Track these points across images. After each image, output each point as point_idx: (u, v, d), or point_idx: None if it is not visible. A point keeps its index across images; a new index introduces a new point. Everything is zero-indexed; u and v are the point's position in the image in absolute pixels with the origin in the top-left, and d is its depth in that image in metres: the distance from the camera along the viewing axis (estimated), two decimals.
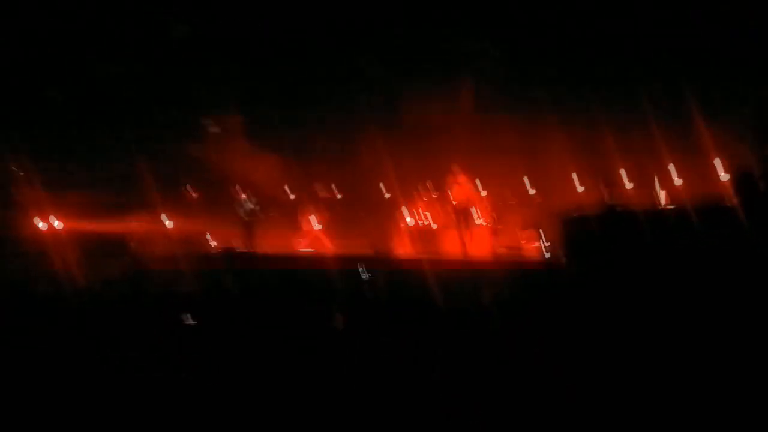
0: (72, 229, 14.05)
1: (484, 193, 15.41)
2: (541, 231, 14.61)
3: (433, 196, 15.53)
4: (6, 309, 9.68)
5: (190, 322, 9.01)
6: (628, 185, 13.92)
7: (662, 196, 13.36)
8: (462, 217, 14.81)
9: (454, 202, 14.89)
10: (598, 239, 10.62)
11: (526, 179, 15.71)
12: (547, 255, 13.92)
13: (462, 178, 14.94)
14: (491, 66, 16.88)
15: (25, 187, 13.88)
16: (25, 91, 15.08)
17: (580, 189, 15.36)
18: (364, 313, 9.46)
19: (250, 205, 15.22)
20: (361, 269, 11.05)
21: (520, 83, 16.16)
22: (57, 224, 14.23)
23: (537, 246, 14.51)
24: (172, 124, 17.18)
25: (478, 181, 15.37)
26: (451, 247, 14.46)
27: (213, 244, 15.82)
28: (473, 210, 14.83)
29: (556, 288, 10.38)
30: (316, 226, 16.09)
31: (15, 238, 13.08)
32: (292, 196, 17.69)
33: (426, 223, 15.48)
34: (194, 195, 17.66)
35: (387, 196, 17.08)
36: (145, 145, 16.08)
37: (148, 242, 14.52)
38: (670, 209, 11.47)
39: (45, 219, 14.15)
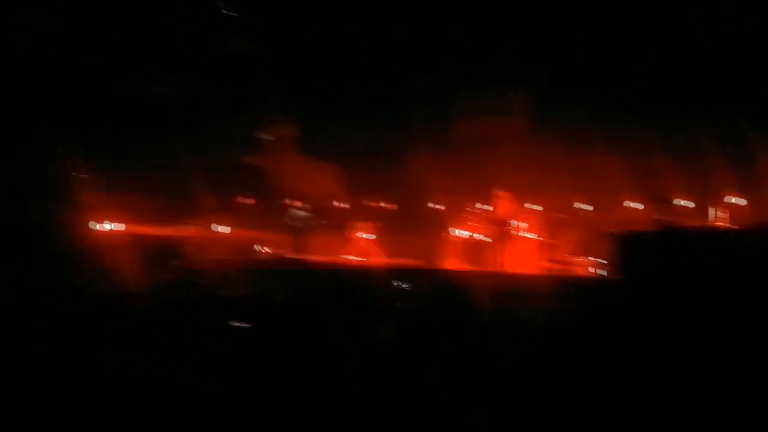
0: (129, 232, 14.38)
1: (535, 208, 15.31)
2: (593, 247, 14.45)
3: (483, 208, 15.45)
4: (64, 310, 9.95)
5: (240, 325, 9.15)
6: (684, 203, 13.68)
7: (719, 214, 13.09)
8: (507, 231, 14.74)
9: (499, 216, 14.82)
10: (654, 257, 10.49)
11: (577, 195, 15.55)
12: (600, 271, 13.74)
13: (505, 193, 14.87)
14: (544, 81, 16.80)
15: (84, 190, 14.26)
16: (88, 98, 15.53)
17: (634, 206, 15.14)
18: (409, 325, 9.47)
19: (302, 214, 15.35)
20: (397, 282, 11.04)
21: (574, 99, 16.03)
22: (115, 227, 14.58)
23: (589, 262, 14.34)
24: (228, 133, 17.50)
25: (527, 196, 15.27)
26: (500, 260, 14.35)
27: (264, 251, 16.03)
28: (521, 224, 14.74)
29: (609, 304, 10.26)
30: (366, 235, 16.17)
31: (74, 240, 13.42)
32: (343, 206, 17.82)
33: (475, 235, 15.43)
34: (247, 203, 17.93)
35: (437, 207, 17.09)
36: (201, 153, 16.38)
37: (201, 248, 14.80)
38: (728, 228, 11.27)
39: (103, 222, 14.50)
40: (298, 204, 15.60)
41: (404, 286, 10.92)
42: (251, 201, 17.66)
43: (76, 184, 14.06)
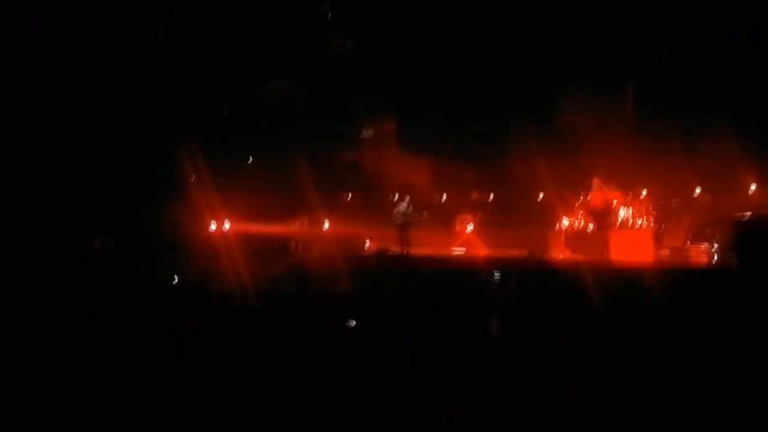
0: (240, 231, 14.84)
1: (644, 194, 14.79)
2: (709, 233, 13.80)
3: (587, 198, 15.03)
4: (181, 305, 10.36)
5: (350, 324, 9.25)
6: None
7: None
8: (615, 220, 14.29)
9: (605, 205, 14.36)
10: None
11: (693, 179, 14.91)
12: (717, 259, 13.11)
13: (612, 182, 14.43)
14: (652, 66, 16.17)
15: (199, 191, 14.82)
16: (202, 102, 16.14)
17: (752, 190, 14.36)
18: (512, 317, 9.31)
19: (405, 209, 15.42)
20: (496, 273, 10.85)
21: (685, 81, 15.37)
22: (227, 226, 15.10)
23: (705, 249, 13.71)
24: (333, 131, 17.80)
25: (637, 183, 14.77)
26: (606, 249, 13.90)
27: (368, 245, 16.22)
28: (630, 211, 14.24)
29: (726, 293, 9.77)
30: (470, 228, 16.08)
31: (190, 239, 13.99)
32: (446, 199, 17.81)
33: (580, 225, 15.05)
34: (352, 199, 18.19)
35: (540, 198, 16.80)
36: (308, 153, 16.73)
37: (308, 244, 15.12)
38: None
39: (216, 221, 15.04)
40: (404, 199, 15.65)
41: (498, 276, 10.72)
42: (356, 197, 17.92)
43: (192, 186, 14.65)
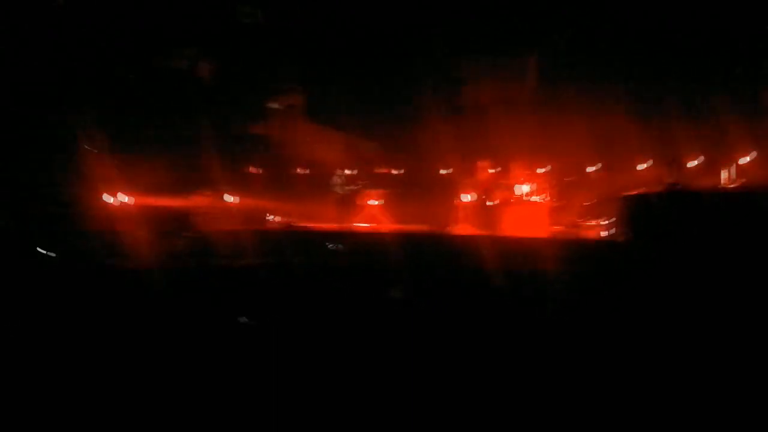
0: (140, 204, 14.43)
1: (544, 171, 15.28)
2: (602, 208, 14.42)
3: (491, 172, 15.44)
4: (76, 279, 10.04)
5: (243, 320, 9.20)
6: (692, 164, 13.59)
7: (727, 175, 13.01)
8: (515, 195, 14.79)
9: (506, 180, 14.85)
10: (663, 218, 10.48)
11: (588, 157, 15.48)
12: (609, 232, 13.73)
13: (513, 157, 14.89)
14: (555, 44, 16.59)
15: (97, 163, 14.29)
16: (100, 73, 15.50)
17: (643, 167, 15.06)
18: (421, 287, 9.48)
19: (340, 180, 15.45)
20: (332, 245, 10.97)
21: (584, 61, 15.85)
22: (127, 200, 14.64)
23: (598, 223, 14.33)
24: (237, 103, 17.45)
25: (536, 160, 15.24)
26: (508, 223, 14.35)
27: (273, 219, 16.09)
28: (529, 187, 14.74)
29: (617, 265, 10.26)
30: (375, 202, 16.19)
31: (87, 212, 13.50)
32: (353, 173, 17.81)
33: (483, 199, 15.44)
34: (258, 172, 17.93)
35: (445, 172, 17.06)
36: (211, 124, 16.37)
37: (211, 218, 14.85)
38: (735, 189, 11.21)
39: (115, 194, 14.56)
40: (339, 171, 15.70)
41: (339, 246, 10.85)
42: (262, 170, 17.68)
43: (90, 158, 14.10)
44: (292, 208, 16.17)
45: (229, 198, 15.86)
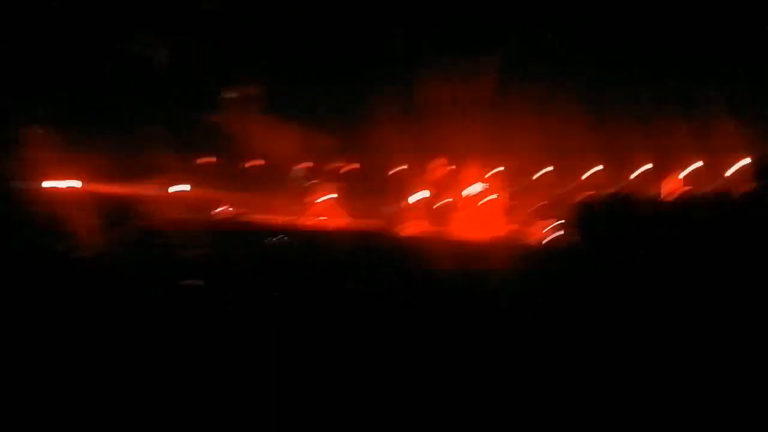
0: (87, 190, 14.13)
1: (498, 171, 15.37)
2: (554, 211, 14.54)
3: (446, 171, 15.47)
4: (19, 266, 9.78)
5: (193, 284, 9.06)
6: (644, 170, 13.80)
7: (673, 183, 13.26)
8: (469, 194, 14.85)
9: (460, 180, 14.92)
10: (612, 222, 10.59)
11: (541, 159, 15.62)
12: (559, 234, 13.86)
13: (468, 157, 14.95)
14: (512, 46, 16.68)
15: (43, 147, 13.95)
16: (49, 56, 15.12)
17: (594, 171, 15.25)
18: (372, 285, 9.44)
19: (301, 174, 15.35)
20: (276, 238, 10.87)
21: (540, 64, 15.97)
22: (73, 185, 14.33)
23: (549, 225, 14.44)
24: (192, 91, 17.19)
25: (490, 160, 15.32)
26: (462, 223, 14.40)
27: (223, 210, 15.88)
28: (483, 187, 14.80)
29: (566, 268, 10.33)
30: (328, 196, 16.09)
31: (31, 197, 13.19)
32: (306, 166, 17.69)
33: (436, 197, 15.47)
34: (210, 162, 17.71)
35: (400, 170, 17.04)
36: (165, 112, 16.11)
37: (159, 206, 14.60)
38: (685, 195, 11.41)
39: (61, 179, 14.24)
40: (301, 164, 15.64)
41: (284, 239, 10.72)
42: (212, 160, 17.45)
43: (31, 141, 13.75)
44: (243, 199, 15.99)
45: (178, 187, 15.61)
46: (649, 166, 13.81)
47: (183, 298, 8.89)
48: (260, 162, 16.01)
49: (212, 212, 15.62)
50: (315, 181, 16.34)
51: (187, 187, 15.61)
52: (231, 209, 15.58)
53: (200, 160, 17.31)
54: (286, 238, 9.63)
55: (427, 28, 16.48)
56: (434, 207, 15.39)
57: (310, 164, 16.54)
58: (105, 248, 11.06)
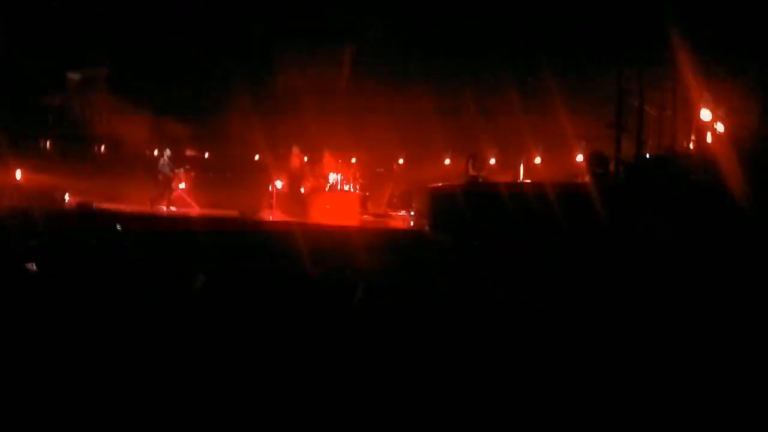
0: None
1: (354, 162, 15.57)
2: (407, 200, 14.93)
3: (303, 161, 15.51)
4: None
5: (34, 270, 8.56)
6: (492, 160, 14.40)
7: (522, 171, 13.94)
8: (325, 184, 14.97)
9: (316, 170, 15.03)
10: (461, 209, 11.00)
11: (396, 150, 15.96)
12: (412, 223, 14.23)
13: (325, 147, 15.09)
14: (370, 35, 16.90)
15: None
16: None
17: (447, 161, 15.75)
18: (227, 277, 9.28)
19: (166, 162, 14.83)
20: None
21: (396, 57, 16.29)
22: None
23: (403, 215, 14.81)
24: (36, 72, 16.16)
25: (346, 150, 15.50)
26: (318, 212, 14.46)
27: (68, 199, 15.05)
28: (339, 177, 14.93)
29: (419, 254, 10.61)
30: (181, 186, 15.63)
31: None
32: (158, 154, 17.11)
33: (294, 186, 15.43)
34: (52, 148, 16.75)
35: (257, 158, 16.87)
36: (5, 94, 15.09)
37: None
38: (529, 185, 12.02)
39: None
40: (164, 152, 15.08)
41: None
42: (58, 146, 16.52)
43: None
44: (91, 187, 15.23)
45: (18, 174, 14.61)
46: (495, 157, 14.43)
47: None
48: (109, 149, 15.29)
49: (59, 201, 14.77)
50: (186, 169, 15.82)
51: (31, 174, 14.64)
52: (79, 198, 14.80)
53: (43, 146, 16.35)
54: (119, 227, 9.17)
55: (283, 16, 16.39)
56: (290, 196, 15.35)
57: (165, 152, 16.00)
58: None
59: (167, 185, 15.35)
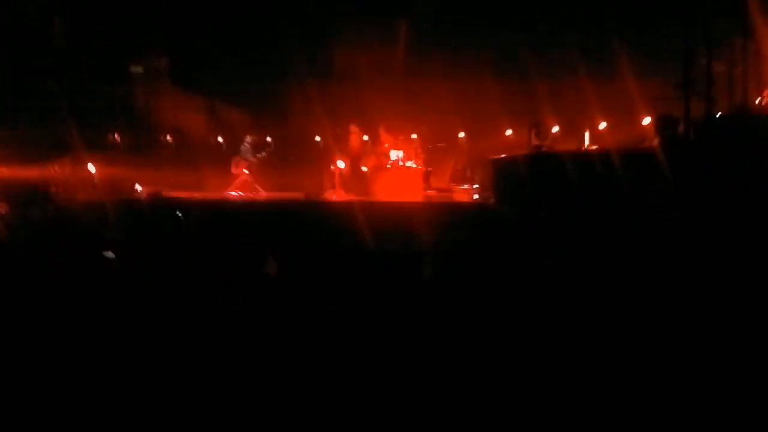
0: None
1: (414, 136, 15.54)
2: (470, 175, 14.83)
3: (363, 139, 15.57)
4: None
5: (111, 257, 8.83)
6: (555, 129, 14.15)
7: (587, 139, 13.65)
8: (387, 162, 14.99)
9: (378, 147, 15.05)
10: (526, 181, 10.87)
11: (456, 123, 15.85)
12: (477, 196, 14.15)
13: (384, 124, 15.09)
14: (424, 10, 16.76)
15: None
16: None
17: (509, 132, 15.56)
18: (297, 260, 9.40)
19: (248, 149, 15.22)
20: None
21: (453, 29, 16.13)
22: None
23: (467, 189, 14.72)
24: (100, 65, 16.58)
25: (407, 126, 15.47)
26: (381, 190, 14.52)
27: (140, 189, 15.45)
28: (401, 154, 14.93)
29: (486, 229, 10.56)
30: (246, 171, 15.88)
31: None
32: (222, 140, 17.43)
33: (355, 165, 15.50)
34: (120, 139, 17.19)
35: (317, 139, 16.98)
36: (71, 88, 15.52)
37: (71, 188, 14.09)
38: (595, 152, 11.77)
39: None
40: (246, 139, 15.46)
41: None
42: (125, 138, 16.95)
43: None
44: (161, 177, 15.59)
45: (91, 167, 15.05)
46: (556, 129, 14.17)
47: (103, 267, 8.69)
48: (175, 138, 15.62)
49: (131, 191, 15.18)
50: (250, 155, 16.07)
51: (102, 167, 15.07)
52: (150, 188, 15.17)
53: (112, 138, 16.78)
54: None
55: None
56: (353, 176, 15.43)
57: (227, 138, 16.27)
58: (15, 231, 10.62)
59: (222, 171, 15.67)
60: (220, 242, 10.14)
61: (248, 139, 15.56)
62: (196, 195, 14.72)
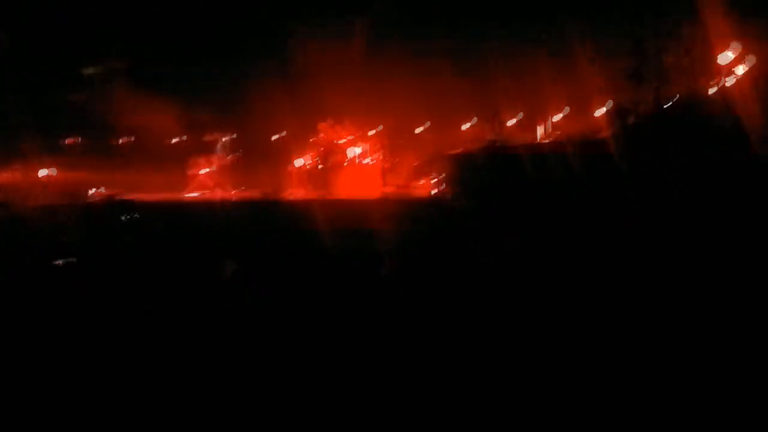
0: None
1: (374, 133, 15.54)
2: (429, 169, 14.88)
3: (323, 136, 15.53)
4: None
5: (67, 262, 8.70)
6: (510, 122, 14.25)
7: (542, 131, 13.78)
8: (346, 158, 14.99)
9: (337, 144, 15.04)
10: (482, 174, 10.95)
11: (414, 119, 15.89)
12: (435, 191, 14.21)
13: (343, 120, 15.08)
14: (383, 7, 16.76)
15: None
16: None
17: (466, 126, 15.63)
18: (259, 258, 9.35)
19: (219, 150, 15.09)
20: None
21: (413, 24, 16.15)
22: None
23: (425, 183, 14.78)
24: (55, 69, 16.31)
25: (365, 122, 15.47)
26: (342, 185, 14.52)
27: (94, 192, 15.24)
28: (360, 150, 14.94)
29: (443, 222, 10.60)
30: (205, 170, 15.77)
31: None
32: (180, 140, 17.25)
33: (316, 162, 15.48)
34: (74, 143, 16.94)
35: (278, 138, 16.90)
36: (25, 93, 15.25)
37: (21, 194, 13.84)
38: (548, 144, 11.91)
39: None
40: (219, 140, 15.36)
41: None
42: (81, 141, 16.69)
43: None
44: (119, 179, 15.41)
45: (44, 171, 14.80)
46: (519, 116, 14.25)
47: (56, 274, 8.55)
48: (132, 139, 15.43)
49: (86, 195, 14.96)
50: (193, 155, 15.94)
51: (54, 171, 14.82)
52: (104, 190, 14.98)
53: (67, 142, 16.52)
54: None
55: None
56: (311, 173, 15.41)
57: (186, 138, 16.13)
58: None
59: (181, 171, 15.55)
60: (177, 243, 10.05)
61: (207, 139, 15.44)
62: (155, 196, 14.57)
